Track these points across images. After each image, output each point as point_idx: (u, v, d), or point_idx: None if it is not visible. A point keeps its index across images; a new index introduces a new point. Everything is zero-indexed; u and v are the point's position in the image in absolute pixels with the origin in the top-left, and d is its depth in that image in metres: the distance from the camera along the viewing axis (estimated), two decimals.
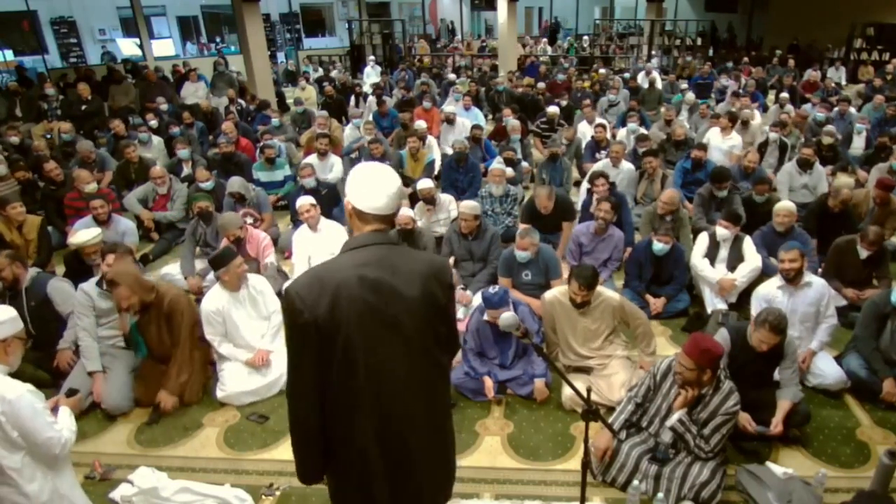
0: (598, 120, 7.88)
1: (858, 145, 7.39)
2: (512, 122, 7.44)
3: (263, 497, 2.82)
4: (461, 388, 3.49)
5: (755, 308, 3.50)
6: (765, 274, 4.09)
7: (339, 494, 1.76)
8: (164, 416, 3.42)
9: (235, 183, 5.40)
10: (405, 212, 4.50)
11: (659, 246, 4.19)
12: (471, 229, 4.46)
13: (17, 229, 4.92)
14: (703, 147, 6.25)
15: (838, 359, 3.52)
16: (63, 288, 3.73)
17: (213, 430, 3.33)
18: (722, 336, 3.06)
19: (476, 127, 7.36)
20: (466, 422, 3.30)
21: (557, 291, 3.55)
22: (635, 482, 2.64)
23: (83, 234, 4.18)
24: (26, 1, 13.81)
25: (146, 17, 15.56)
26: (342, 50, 18.85)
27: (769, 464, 2.80)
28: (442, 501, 1.88)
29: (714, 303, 4.19)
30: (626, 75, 12.02)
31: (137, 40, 15.46)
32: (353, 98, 10.70)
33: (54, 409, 2.37)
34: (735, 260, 4.26)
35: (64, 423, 2.31)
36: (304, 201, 4.62)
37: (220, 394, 3.52)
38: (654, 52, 16.01)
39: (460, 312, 4.21)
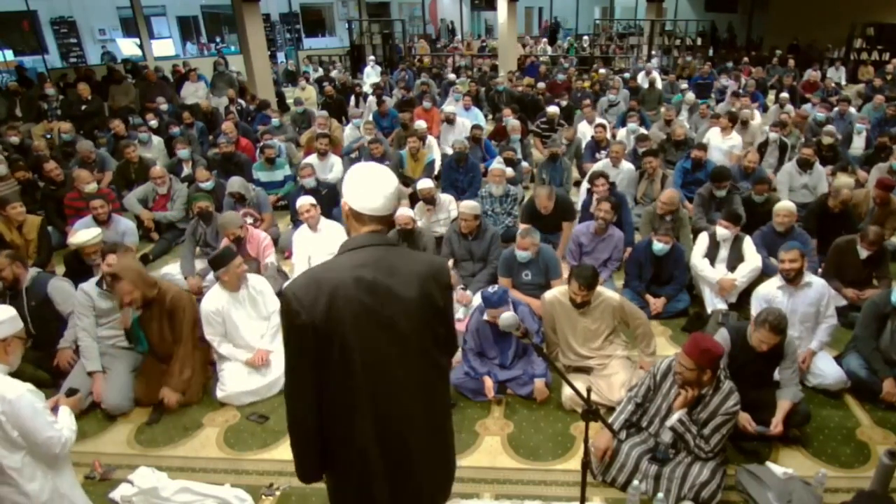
0: (598, 120, 7.88)
1: (858, 145, 7.39)
2: (512, 122, 7.44)
3: (263, 497, 2.82)
4: (461, 388, 3.49)
5: (755, 308, 3.50)
6: (765, 274, 4.09)
7: (338, 494, 1.77)
8: (166, 413, 3.43)
9: (235, 183, 5.40)
10: (405, 212, 4.50)
11: (659, 246, 4.19)
12: (471, 229, 4.46)
13: (17, 229, 4.92)
14: (703, 147, 6.25)
15: (838, 359, 3.52)
16: (64, 287, 3.74)
17: (213, 430, 3.33)
18: (722, 336, 3.06)
19: (476, 127, 7.36)
20: (466, 422, 3.30)
21: (557, 291, 3.55)
22: (635, 482, 2.64)
23: (83, 234, 4.19)
24: (26, 1, 13.81)
25: (146, 17, 15.56)
26: (342, 50, 18.85)
27: (769, 464, 2.80)
28: (441, 500, 1.88)
29: (714, 303, 4.19)
30: (626, 75, 12.02)
31: (137, 40, 15.46)
32: (353, 98, 10.70)
33: (54, 409, 2.37)
34: (735, 260, 4.26)
35: (64, 423, 2.31)
36: (304, 201, 4.62)
37: (220, 394, 3.52)
38: (654, 52, 16.01)
39: (460, 312, 4.21)
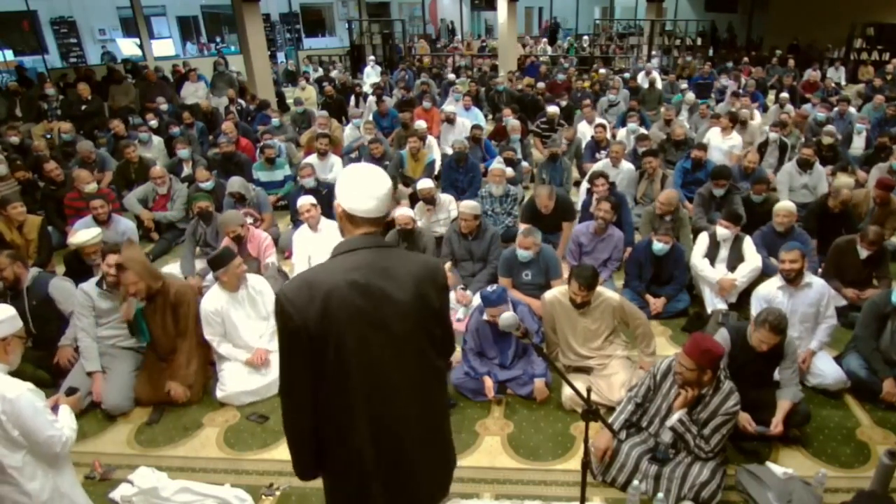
0: (598, 120, 7.88)
1: (858, 145, 7.39)
2: (512, 122, 7.44)
3: (263, 497, 2.82)
4: (461, 388, 3.49)
5: (755, 308, 3.50)
6: (765, 274, 4.09)
7: (334, 494, 1.77)
8: (166, 413, 3.43)
9: (235, 183, 5.40)
10: (405, 212, 4.51)
11: (659, 246, 4.19)
12: (471, 229, 4.46)
13: (18, 229, 4.92)
14: (703, 147, 6.25)
15: (838, 359, 3.52)
16: (65, 287, 3.75)
17: (213, 430, 3.33)
18: (722, 336, 3.06)
19: (476, 127, 7.36)
20: (466, 422, 3.30)
21: (557, 291, 3.55)
22: (635, 482, 2.64)
23: (83, 234, 4.19)
24: (26, 1, 13.81)
25: (146, 17, 15.56)
26: (342, 50, 18.85)
27: (769, 464, 2.80)
28: (440, 498, 1.89)
29: (714, 303, 4.18)
30: (626, 75, 12.02)
31: (137, 40, 15.46)
32: (353, 98, 10.70)
33: (54, 408, 2.37)
34: (735, 260, 4.26)
35: (64, 422, 2.31)
36: (305, 201, 4.62)
37: (219, 394, 3.52)
38: (654, 52, 16.01)
39: (460, 312, 4.22)
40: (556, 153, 6.28)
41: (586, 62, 15.86)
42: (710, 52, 17.57)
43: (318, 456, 1.68)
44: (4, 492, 2.16)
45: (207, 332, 3.57)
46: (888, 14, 15.31)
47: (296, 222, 5.38)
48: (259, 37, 10.67)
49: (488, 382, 3.39)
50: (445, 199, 5.52)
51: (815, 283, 3.50)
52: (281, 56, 19.29)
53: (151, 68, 12.28)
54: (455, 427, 1.90)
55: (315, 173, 5.70)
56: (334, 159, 6.75)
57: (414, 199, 5.73)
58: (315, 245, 4.55)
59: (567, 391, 3.36)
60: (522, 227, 4.50)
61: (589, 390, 2.05)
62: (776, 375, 3.05)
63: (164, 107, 8.89)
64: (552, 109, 8.31)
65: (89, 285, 3.59)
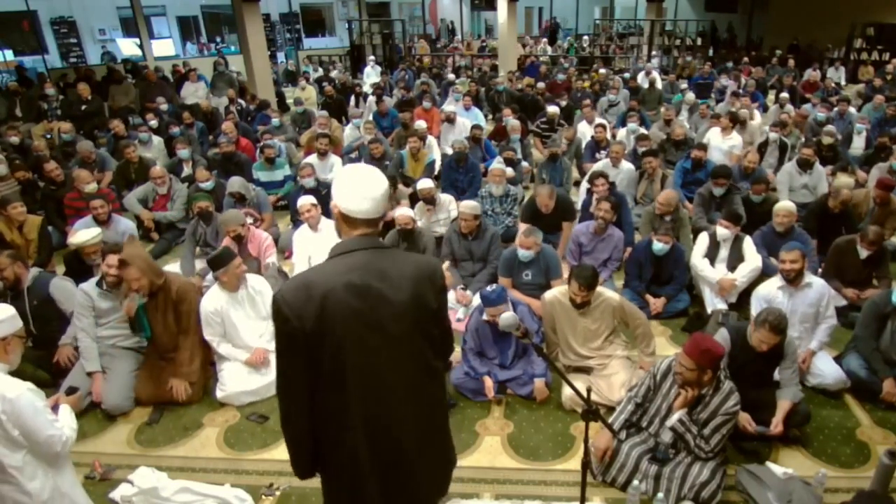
0: (598, 120, 7.88)
1: (858, 145, 7.39)
2: (512, 122, 7.44)
3: (263, 497, 2.82)
4: (461, 388, 3.49)
5: (755, 308, 3.50)
6: (765, 274, 4.09)
7: (331, 493, 1.78)
8: (166, 412, 3.43)
9: (235, 183, 5.40)
10: (405, 212, 4.51)
11: (659, 246, 4.19)
12: (471, 229, 4.47)
13: (18, 229, 4.92)
14: (703, 147, 6.25)
15: (838, 359, 3.52)
16: (66, 287, 3.75)
17: (213, 430, 3.33)
18: (722, 336, 3.06)
19: (476, 127, 7.36)
20: (466, 422, 3.30)
21: (557, 291, 3.55)
22: (635, 482, 2.64)
23: (83, 234, 4.19)
24: (26, 1, 13.81)
25: (146, 17, 15.56)
26: (342, 50, 18.85)
27: (769, 464, 2.80)
28: (439, 497, 1.89)
29: (714, 303, 4.18)
30: (626, 75, 12.02)
31: (137, 40, 15.46)
32: (353, 98, 10.70)
33: (54, 408, 2.37)
34: (735, 260, 4.26)
35: (65, 421, 2.31)
36: (305, 201, 4.62)
37: (219, 394, 3.52)
38: (654, 52, 16.01)
39: (460, 312, 4.22)
40: (556, 153, 6.28)
41: (586, 62, 15.86)
42: (710, 52, 17.58)
43: (316, 455, 1.70)
44: (5, 491, 2.17)
45: (207, 333, 3.56)
46: (888, 14, 15.31)
47: (296, 222, 5.38)
48: (259, 37, 10.67)
49: (488, 382, 3.39)
50: (445, 199, 5.52)
51: (815, 284, 3.50)
52: (281, 56, 19.29)
53: (151, 68, 12.28)
54: (455, 427, 1.90)
55: (315, 173, 5.71)
56: (334, 159, 6.75)
57: (414, 199, 5.73)
58: (315, 245, 4.55)
59: (567, 391, 3.36)
60: (522, 226, 4.50)
61: (589, 390, 2.05)
62: (776, 375, 3.04)
63: (164, 107, 8.89)
64: (552, 109, 8.31)
65: (89, 285, 3.59)
